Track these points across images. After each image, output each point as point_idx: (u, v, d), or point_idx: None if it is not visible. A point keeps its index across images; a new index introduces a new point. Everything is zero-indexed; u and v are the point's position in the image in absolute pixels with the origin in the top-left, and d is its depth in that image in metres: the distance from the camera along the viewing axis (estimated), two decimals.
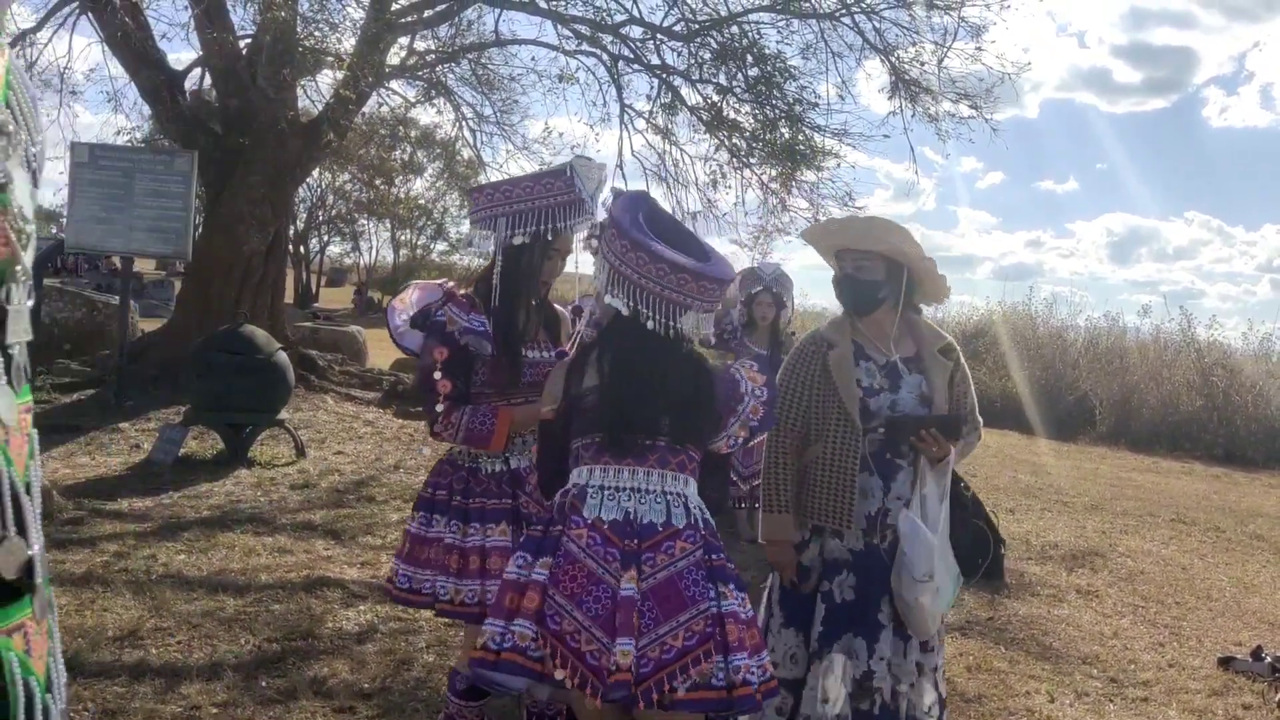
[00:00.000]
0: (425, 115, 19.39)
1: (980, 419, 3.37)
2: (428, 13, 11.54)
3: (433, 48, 12.69)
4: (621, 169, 12.03)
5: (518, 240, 3.03)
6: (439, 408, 2.92)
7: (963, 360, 3.34)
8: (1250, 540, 8.52)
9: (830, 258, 3.30)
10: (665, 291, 2.49)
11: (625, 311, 2.51)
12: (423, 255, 41.95)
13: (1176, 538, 8.35)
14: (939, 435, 3.07)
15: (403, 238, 41.73)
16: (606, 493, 2.51)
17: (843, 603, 3.11)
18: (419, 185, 36.47)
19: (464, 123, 13.74)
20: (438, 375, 2.91)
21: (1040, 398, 16.87)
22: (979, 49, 10.60)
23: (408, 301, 3.10)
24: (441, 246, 41.57)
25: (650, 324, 2.48)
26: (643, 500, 2.50)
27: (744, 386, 2.61)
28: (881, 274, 3.17)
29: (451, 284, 3.14)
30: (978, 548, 3.33)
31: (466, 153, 15.50)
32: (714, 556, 2.51)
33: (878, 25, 10.79)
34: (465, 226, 41.00)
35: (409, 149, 28.56)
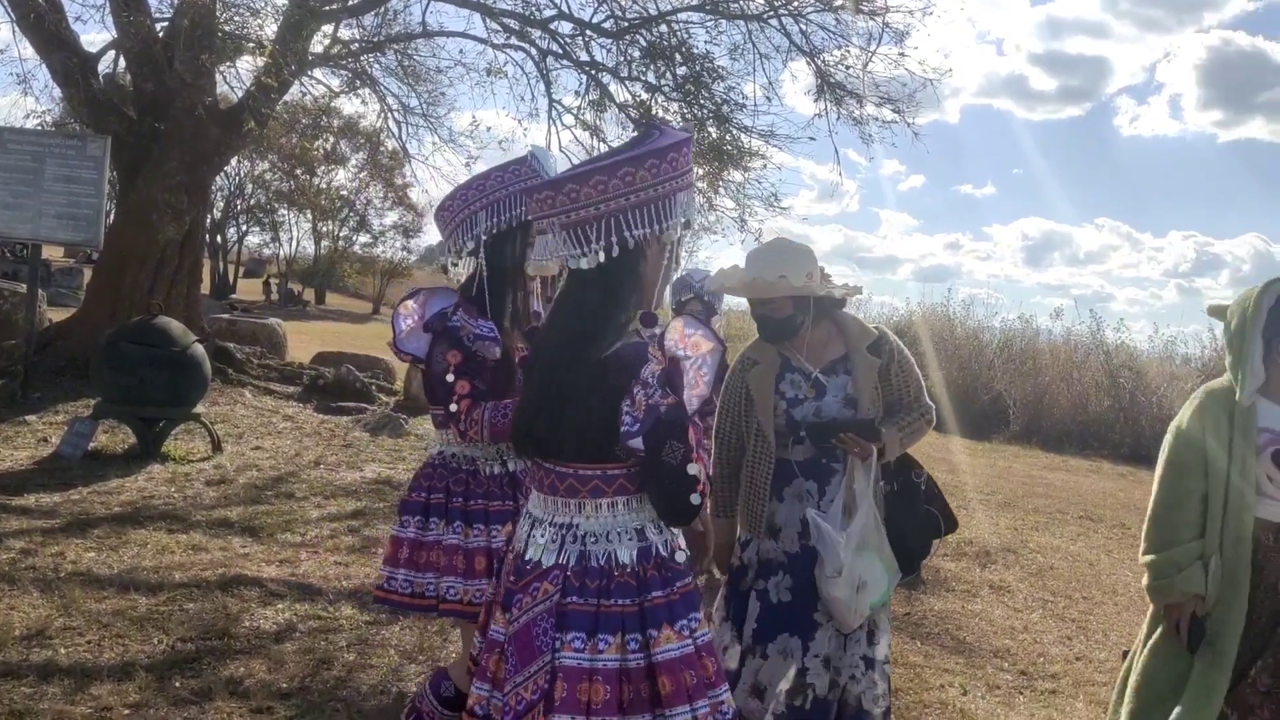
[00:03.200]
0: (349, 105, 19.13)
1: (930, 403, 3.38)
2: (353, 1, 11.36)
3: (357, 37, 12.51)
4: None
5: (501, 228, 3.02)
6: (454, 407, 2.89)
7: (900, 350, 3.35)
8: None
9: (765, 291, 3.30)
10: (593, 207, 2.09)
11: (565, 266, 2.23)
12: (345, 247, 41.32)
13: (1084, 534, 8.62)
14: (857, 437, 3.14)
15: (324, 229, 41.08)
16: (527, 521, 2.28)
17: (778, 603, 3.18)
18: (341, 176, 35.98)
19: (389, 114, 13.59)
20: (451, 378, 2.90)
21: (957, 397, 17.26)
22: (902, 54, 10.82)
23: (411, 307, 3.07)
24: (364, 238, 41.03)
25: (601, 254, 2.09)
26: (538, 532, 2.22)
27: (647, 371, 2.06)
28: (790, 307, 3.24)
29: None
30: (929, 532, 3.38)
31: (391, 144, 15.34)
32: (572, 600, 2.11)
33: (804, 28, 10.94)
34: (389, 219, 40.68)
35: (332, 139, 28.13)
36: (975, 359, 18.18)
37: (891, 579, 3.21)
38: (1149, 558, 2.94)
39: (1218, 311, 3.04)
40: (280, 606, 4.63)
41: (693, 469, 2.04)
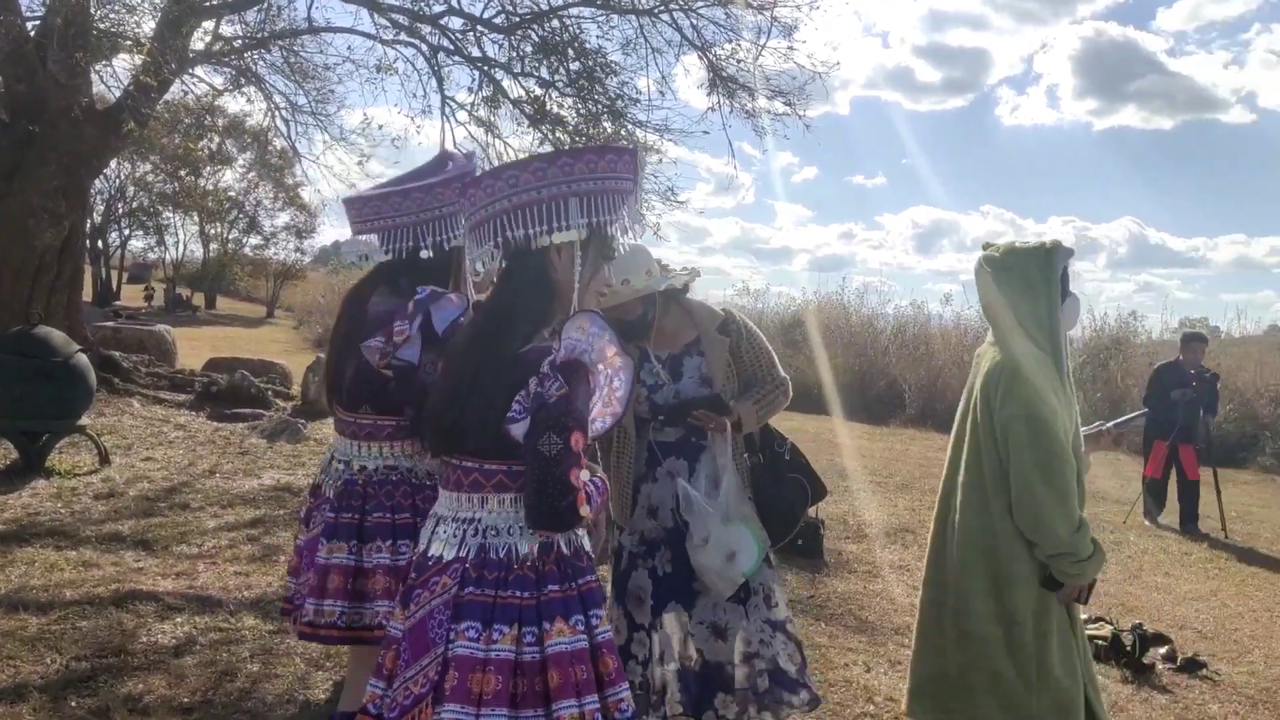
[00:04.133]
0: (234, 103, 18.57)
1: (784, 376, 3.51)
2: None
3: (240, 33, 12.17)
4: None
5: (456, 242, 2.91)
6: None
7: (748, 327, 3.50)
8: None
9: (625, 294, 3.36)
10: (506, 202, 2.13)
11: (481, 268, 2.27)
12: (235, 250, 40.16)
13: None
14: (709, 413, 3.31)
15: (212, 231, 39.85)
16: (433, 520, 2.27)
17: (664, 575, 3.36)
18: (229, 176, 34.92)
19: (276, 112, 13.25)
20: None
21: (854, 383, 17.68)
22: (791, 47, 11.00)
23: (406, 316, 2.83)
24: (255, 240, 39.94)
25: (526, 234, 2.13)
26: (442, 529, 2.21)
27: (545, 364, 2.05)
28: (640, 307, 3.35)
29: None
30: (797, 500, 3.50)
31: (280, 143, 14.96)
32: (469, 591, 2.09)
33: (695, 22, 11.04)
34: (281, 220, 39.65)
35: (217, 138, 27.29)
36: (871, 345, 18.65)
37: (761, 548, 3.32)
38: (1078, 538, 2.86)
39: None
40: (179, 620, 4.51)
41: (574, 473, 1.99)
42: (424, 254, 2.97)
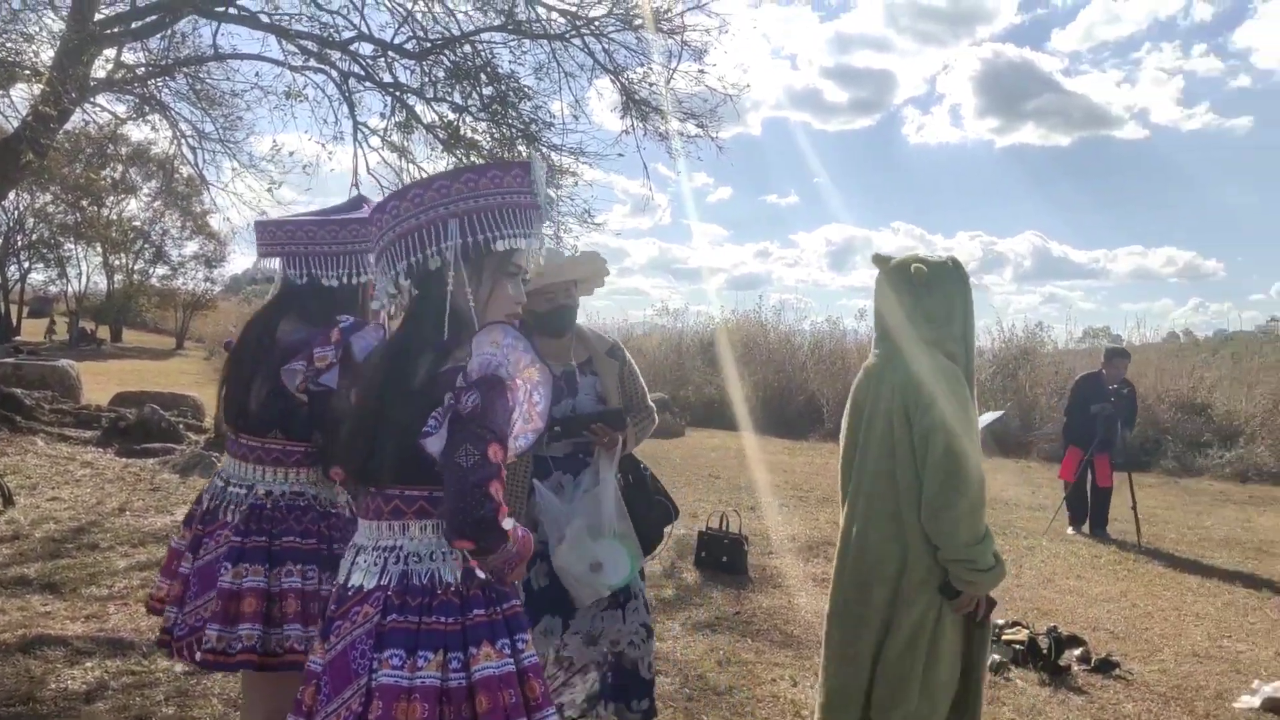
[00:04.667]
0: (138, 131, 18.10)
1: (653, 405, 3.82)
2: (136, 24, 10.81)
3: (144, 61, 11.90)
4: (357, 187, 11.73)
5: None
6: None
7: (629, 357, 3.79)
8: None
9: (541, 292, 3.50)
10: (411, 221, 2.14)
11: (386, 305, 2.24)
12: (141, 281, 39.07)
13: None
14: (606, 427, 3.48)
15: (117, 262, 38.72)
16: (352, 551, 2.22)
17: (539, 589, 3.44)
18: (134, 206, 34.00)
19: (182, 140, 12.96)
20: None
21: (773, 400, 17.90)
22: (702, 71, 11.10)
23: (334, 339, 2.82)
24: (162, 270, 38.92)
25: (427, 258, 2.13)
26: (362, 558, 2.17)
27: (459, 379, 2.02)
28: (576, 299, 3.64)
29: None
30: (662, 519, 3.76)
31: (186, 170, 14.63)
32: (391, 618, 2.05)
33: (607, 46, 11.11)
34: (189, 249, 38.76)
35: (120, 167, 26.57)
36: (789, 362, 18.89)
37: (635, 564, 3.47)
38: (979, 550, 2.90)
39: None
40: (89, 664, 4.36)
41: (493, 484, 1.95)
42: (326, 283, 2.95)
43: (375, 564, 2.13)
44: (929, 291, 3.03)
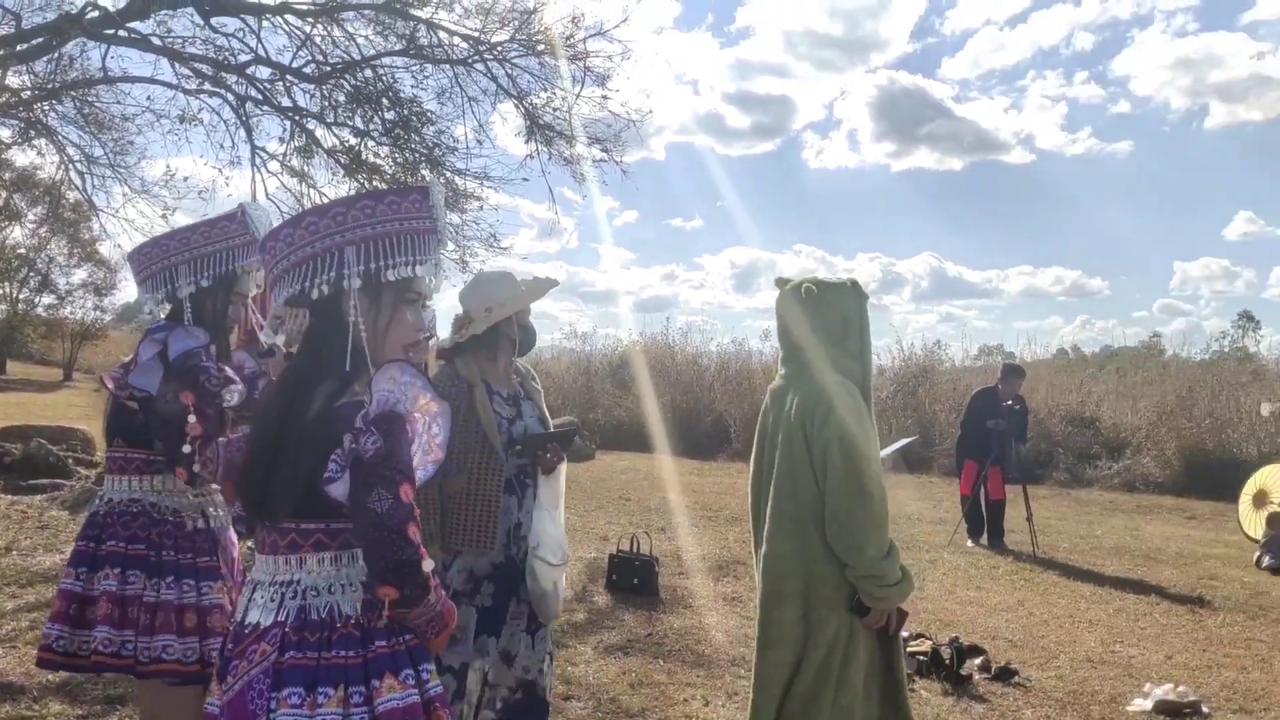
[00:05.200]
0: (23, 156, 17.45)
1: None
2: (21, 46, 10.45)
3: (29, 84, 11.50)
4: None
5: (204, 284, 3.02)
6: (187, 448, 2.76)
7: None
8: None
9: (501, 314, 3.56)
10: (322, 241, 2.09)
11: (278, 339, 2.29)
12: (26, 310, 37.52)
13: None
14: (558, 447, 3.59)
15: (0, 291, 37.14)
16: (250, 587, 2.16)
17: (485, 609, 3.48)
18: (18, 233, 32.70)
19: (70, 164, 12.54)
20: (192, 418, 2.78)
21: (682, 421, 18.02)
22: (605, 96, 11.19)
23: (151, 343, 2.92)
24: (48, 299, 37.45)
25: (315, 291, 2.09)
26: (259, 594, 2.11)
27: (359, 418, 2.00)
28: (513, 329, 3.66)
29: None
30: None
31: (74, 196, 14.15)
32: (289, 656, 2.00)
33: (510, 72, 11.12)
34: (77, 276, 37.41)
35: (4, 193, 25.56)
36: (696, 383, 19.06)
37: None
38: (886, 563, 2.94)
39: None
40: None
41: (410, 526, 1.93)
42: (183, 292, 3.03)
43: (272, 600, 2.07)
44: (825, 311, 3.11)
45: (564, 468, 3.67)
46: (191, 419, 2.78)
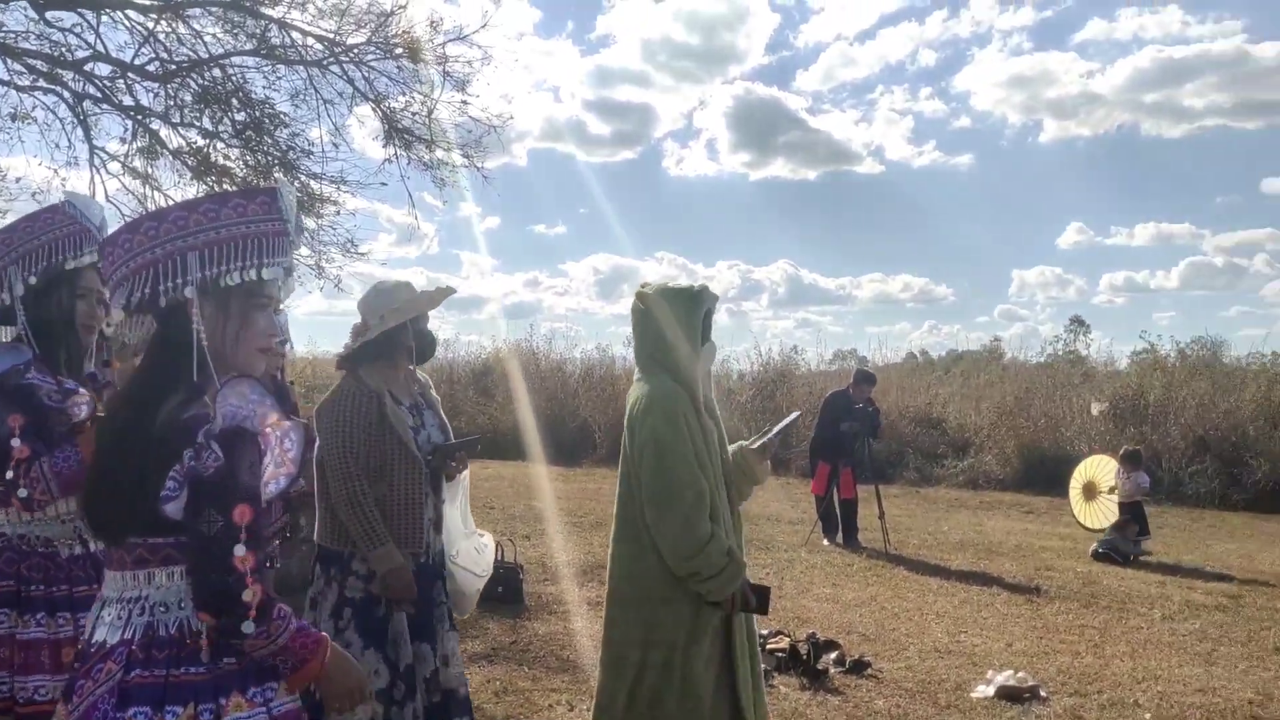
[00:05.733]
0: None
1: None
2: None
3: None
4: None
5: (33, 282, 2.80)
6: (9, 474, 2.58)
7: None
8: None
9: (395, 319, 3.56)
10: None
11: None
12: None
13: None
14: (465, 455, 3.68)
15: None
16: (99, 604, 2.08)
17: (410, 615, 3.49)
18: None
19: None
20: (16, 442, 2.60)
21: (547, 427, 18.02)
22: (465, 101, 11.11)
23: None
24: None
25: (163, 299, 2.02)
26: (106, 612, 2.04)
27: (201, 434, 1.94)
28: (408, 336, 3.65)
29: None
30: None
31: None
32: (135, 674, 1.94)
33: (367, 74, 10.93)
34: None
35: None
36: (561, 389, 19.09)
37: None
38: (699, 561, 3.00)
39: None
40: None
41: (238, 551, 1.87)
42: (18, 290, 2.81)
43: (120, 617, 2.01)
44: (659, 316, 3.19)
45: (467, 474, 3.79)
46: (16, 442, 2.62)
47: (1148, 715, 5.02)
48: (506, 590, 6.86)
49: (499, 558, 7.07)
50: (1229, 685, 5.51)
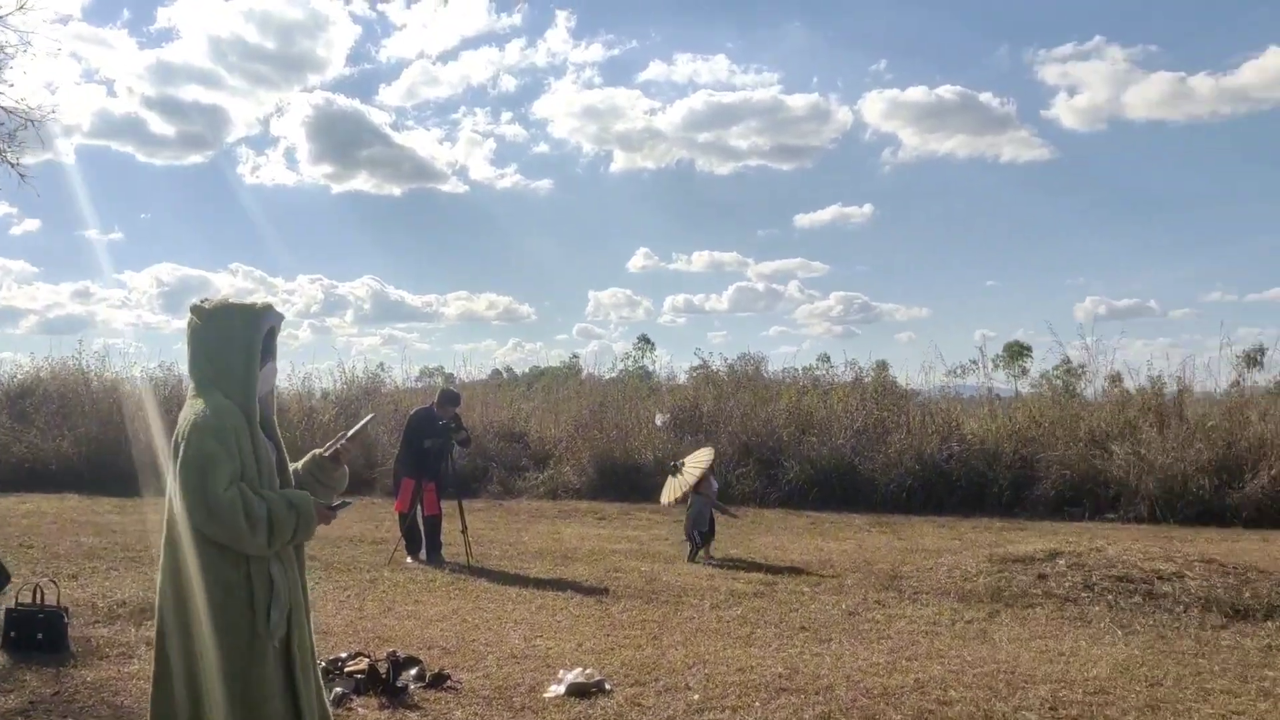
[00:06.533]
0: None
1: None
2: None
3: None
4: None
5: None
6: None
7: None
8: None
9: None
10: None
11: None
12: None
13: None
14: None
15: None
16: None
17: None
18: None
19: None
20: None
21: (100, 455, 16.39)
22: None
23: None
24: None
25: None
26: None
27: None
28: None
29: None
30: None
31: None
32: None
33: None
34: None
35: None
36: (116, 412, 17.42)
37: None
38: (276, 528, 3.06)
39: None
40: None
41: None
42: None
43: None
44: (211, 332, 3.13)
45: None
46: None
47: (696, 695, 5.56)
48: (48, 637, 6.16)
49: (38, 601, 6.35)
50: (764, 662, 6.25)
